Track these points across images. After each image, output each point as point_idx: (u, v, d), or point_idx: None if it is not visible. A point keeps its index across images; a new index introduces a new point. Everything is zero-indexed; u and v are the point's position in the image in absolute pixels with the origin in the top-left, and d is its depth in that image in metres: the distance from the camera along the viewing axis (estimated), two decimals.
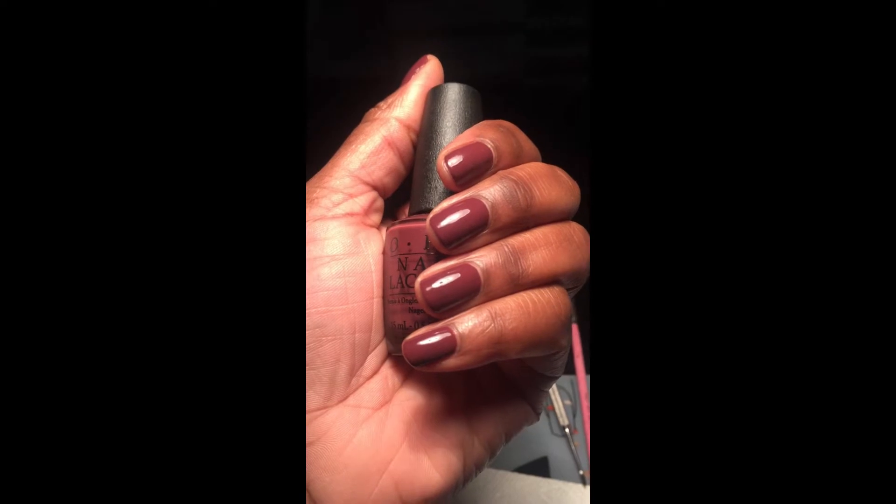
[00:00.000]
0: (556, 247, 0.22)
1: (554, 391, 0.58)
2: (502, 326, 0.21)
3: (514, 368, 0.26)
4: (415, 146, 0.27)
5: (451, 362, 0.21)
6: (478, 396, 0.26)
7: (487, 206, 0.21)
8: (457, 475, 0.25)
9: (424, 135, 0.27)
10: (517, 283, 0.21)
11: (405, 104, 0.27)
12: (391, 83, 0.27)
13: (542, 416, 0.57)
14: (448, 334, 0.21)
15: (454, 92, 0.26)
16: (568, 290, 0.23)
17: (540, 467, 0.54)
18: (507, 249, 0.21)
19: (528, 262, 0.21)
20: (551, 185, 0.22)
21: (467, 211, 0.21)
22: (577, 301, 0.64)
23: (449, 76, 0.28)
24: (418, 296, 0.21)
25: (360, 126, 0.27)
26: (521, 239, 0.22)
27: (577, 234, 0.23)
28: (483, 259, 0.21)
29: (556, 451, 0.55)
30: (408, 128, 0.27)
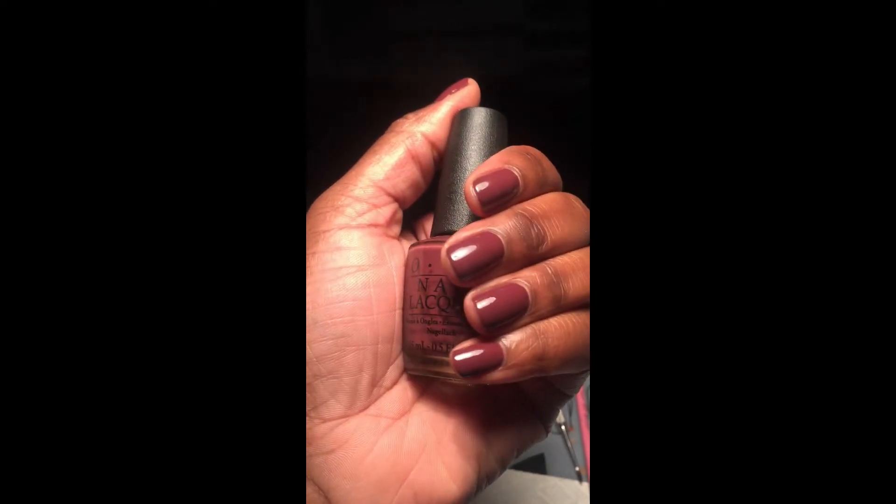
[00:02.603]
0: (587, 271, 0.23)
1: None
2: (545, 344, 0.22)
3: (536, 386, 0.27)
4: (436, 163, 0.28)
5: (497, 375, 0.22)
6: (494, 412, 0.27)
7: (503, 241, 0.22)
8: (471, 486, 0.26)
9: (450, 157, 0.27)
10: (559, 305, 0.23)
11: (433, 121, 0.27)
12: (390, 85, 0.28)
13: None
14: (497, 349, 0.22)
15: (480, 116, 0.27)
16: None
17: (537, 464, 0.54)
18: (549, 271, 0.22)
19: (569, 286, 0.23)
20: (565, 219, 0.23)
21: (483, 245, 0.22)
22: None
23: (448, 77, 0.28)
24: (469, 312, 0.22)
25: (385, 136, 0.27)
26: (561, 262, 0.23)
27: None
28: (530, 279, 0.22)
29: (553, 448, 0.56)
30: (432, 144, 0.27)
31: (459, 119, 0.27)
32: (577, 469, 0.54)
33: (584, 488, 0.52)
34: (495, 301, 0.22)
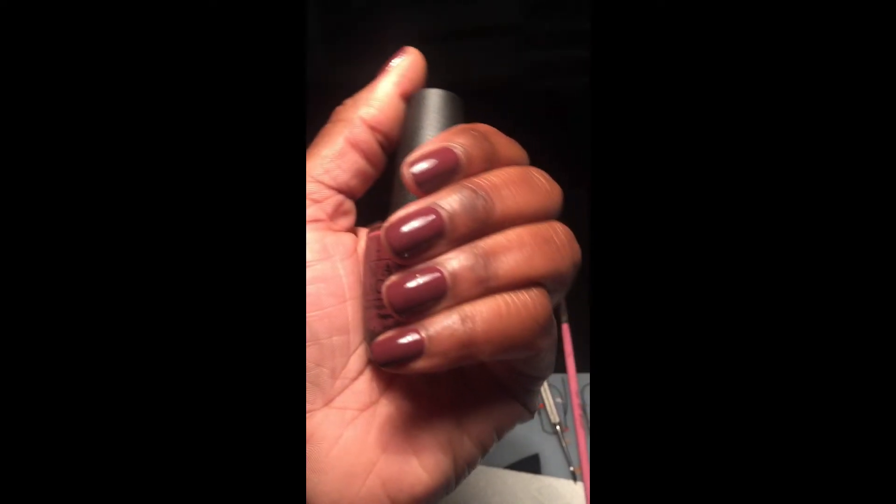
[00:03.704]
0: (532, 248, 0.21)
1: (545, 389, 0.59)
2: (472, 329, 0.21)
3: (499, 368, 0.26)
4: (382, 147, 0.27)
5: (420, 364, 0.21)
6: (466, 394, 0.26)
7: (445, 215, 0.21)
8: (446, 474, 0.25)
9: (403, 143, 0.26)
10: (487, 287, 0.21)
11: (371, 102, 0.26)
12: None
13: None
14: (416, 336, 0.21)
15: (434, 98, 0.26)
16: (552, 292, 0.23)
17: (531, 464, 0.55)
18: (476, 252, 0.21)
19: (499, 265, 0.21)
20: (519, 190, 0.22)
21: (423, 219, 0.21)
22: (568, 300, 0.65)
23: (448, 79, 0.28)
24: (385, 299, 0.21)
25: (326, 127, 0.27)
26: (492, 241, 0.21)
27: (558, 236, 0.22)
28: (451, 262, 0.21)
29: (548, 448, 0.56)
30: (373, 128, 0.26)
31: (411, 103, 0.26)
32: (572, 469, 0.54)
33: (579, 488, 0.53)
34: (409, 286, 0.21)
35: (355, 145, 0.26)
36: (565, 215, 0.24)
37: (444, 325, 0.21)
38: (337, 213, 0.26)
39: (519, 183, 0.22)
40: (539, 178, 0.23)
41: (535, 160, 0.24)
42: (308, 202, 0.26)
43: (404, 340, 0.21)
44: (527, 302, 0.21)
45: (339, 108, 0.27)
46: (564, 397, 0.59)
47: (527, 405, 0.27)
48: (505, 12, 0.41)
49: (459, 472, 0.26)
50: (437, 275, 0.21)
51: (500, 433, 0.27)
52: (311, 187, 0.26)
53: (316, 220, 0.26)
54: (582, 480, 0.53)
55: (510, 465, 0.54)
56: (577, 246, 0.23)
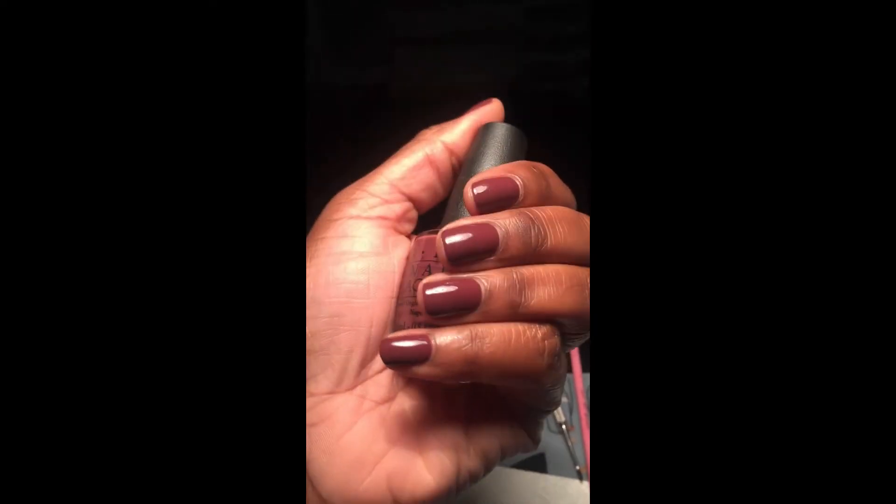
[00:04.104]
0: (566, 288, 0.22)
1: None
2: (479, 349, 0.21)
3: (506, 392, 0.27)
4: (455, 171, 0.29)
5: (423, 370, 0.21)
6: (478, 408, 0.27)
7: (500, 233, 0.22)
8: (449, 480, 0.25)
9: (466, 166, 0.28)
10: (516, 312, 0.22)
11: (454, 132, 0.28)
12: (390, 90, 0.28)
13: None
14: (424, 342, 0.21)
15: (501, 130, 0.28)
16: (571, 335, 0.24)
17: (537, 463, 0.55)
18: (515, 277, 0.22)
19: (532, 295, 0.22)
20: (570, 230, 0.23)
21: (481, 233, 0.22)
22: None
23: (447, 79, 0.29)
24: (419, 297, 0.22)
25: (409, 143, 0.29)
26: (532, 271, 0.22)
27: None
28: (489, 279, 0.22)
29: (553, 447, 0.56)
30: (451, 152, 0.28)
31: (481, 131, 0.28)
32: (578, 468, 0.54)
33: (585, 487, 0.53)
34: (446, 292, 0.22)
35: (432, 162, 0.28)
36: None
37: (455, 338, 0.21)
38: (402, 218, 0.28)
39: (571, 223, 0.23)
40: (588, 223, 0.24)
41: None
42: (380, 201, 0.27)
43: (413, 343, 0.21)
44: (537, 336, 0.22)
45: (425, 130, 0.29)
46: (570, 397, 0.59)
47: (531, 434, 0.28)
48: (505, 15, 0.42)
49: (462, 482, 0.26)
50: (473, 287, 0.22)
51: (504, 452, 0.27)
52: (385, 188, 0.27)
53: (383, 218, 0.27)
54: (588, 479, 0.53)
55: (516, 464, 0.55)
56: None
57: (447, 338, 0.21)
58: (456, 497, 0.26)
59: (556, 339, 0.23)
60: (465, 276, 0.22)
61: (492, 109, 0.29)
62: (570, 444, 0.55)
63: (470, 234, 0.22)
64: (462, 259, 0.22)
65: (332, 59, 0.37)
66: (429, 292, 0.22)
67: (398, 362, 0.22)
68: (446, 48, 0.39)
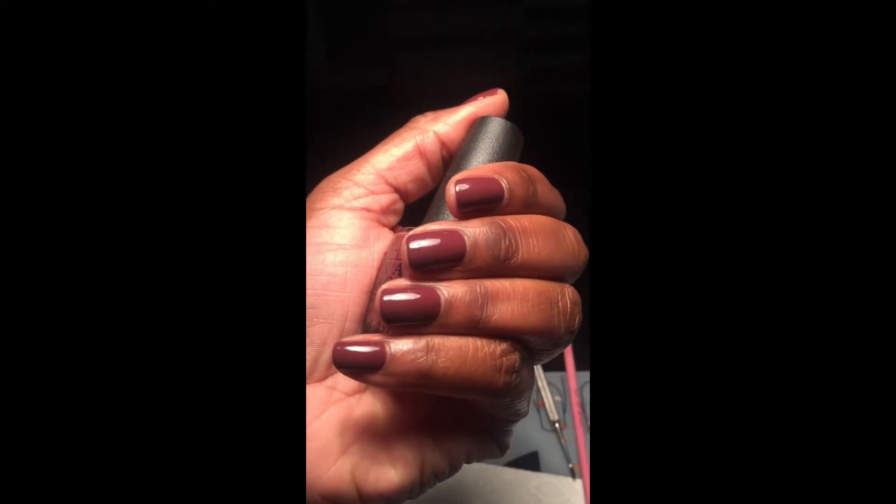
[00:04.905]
0: (533, 305, 0.21)
1: (544, 387, 0.59)
2: (433, 362, 0.21)
3: (474, 404, 0.26)
4: (444, 162, 0.28)
5: (375, 378, 0.21)
6: (445, 407, 0.27)
7: (468, 242, 0.21)
8: (413, 476, 0.25)
9: (456, 159, 0.27)
10: (475, 326, 0.21)
11: (448, 121, 0.27)
12: (391, 91, 0.28)
13: (533, 412, 0.59)
14: (378, 349, 0.21)
15: (496, 125, 0.27)
16: (538, 350, 0.23)
17: (530, 461, 0.55)
18: (479, 290, 0.21)
19: (494, 311, 0.21)
20: (545, 243, 0.22)
21: (446, 241, 0.21)
22: None
23: (447, 81, 0.28)
24: (376, 300, 0.21)
25: (400, 130, 0.28)
26: (497, 285, 0.21)
27: (564, 300, 0.22)
28: (450, 290, 0.21)
29: (547, 445, 0.56)
30: (443, 143, 0.27)
31: (476, 125, 0.27)
32: (571, 466, 0.54)
33: (578, 485, 0.53)
34: (404, 299, 0.21)
35: (423, 153, 0.27)
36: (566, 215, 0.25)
37: (409, 348, 0.21)
38: (387, 210, 0.27)
39: (548, 235, 0.22)
40: (570, 236, 0.23)
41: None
42: (365, 191, 0.27)
43: (366, 350, 0.21)
44: (496, 352, 0.21)
45: (418, 117, 0.28)
46: (563, 395, 0.60)
47: (497, 442, 0.28)
48: (505, 16, 0.42)
49: (426, 480, 0.26)
50: (433, 297, 0.21)
51: (469, 459, 0.27)
52: (371, 178, 0.27)
53: (367, 210, 0.27)
54: (581, 477, 0.54)
55: (509, 462, 0.55)
56: (579, 315, 0.23)
57: (402, 347, 0.21)
58: (419, 493, 0.26)
59: (515, 357, 0.22)
60: (426, 284, 0.21)
61: (494, 101, 0.28)
62: (563, 442, 0.56)
63: (437, 241, 0.21)
64: (425, 266, 0.21)
65: (332, 61, 0.37)
66: (386, 298, 0.21)
67: (350, 367, 0.21)
68: (446, 50, 0.39)
